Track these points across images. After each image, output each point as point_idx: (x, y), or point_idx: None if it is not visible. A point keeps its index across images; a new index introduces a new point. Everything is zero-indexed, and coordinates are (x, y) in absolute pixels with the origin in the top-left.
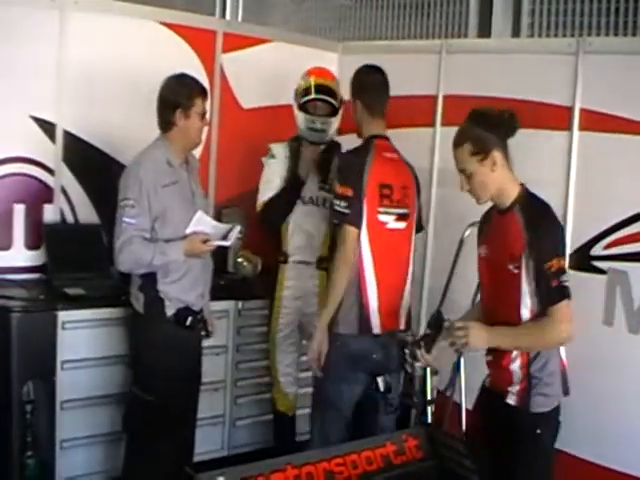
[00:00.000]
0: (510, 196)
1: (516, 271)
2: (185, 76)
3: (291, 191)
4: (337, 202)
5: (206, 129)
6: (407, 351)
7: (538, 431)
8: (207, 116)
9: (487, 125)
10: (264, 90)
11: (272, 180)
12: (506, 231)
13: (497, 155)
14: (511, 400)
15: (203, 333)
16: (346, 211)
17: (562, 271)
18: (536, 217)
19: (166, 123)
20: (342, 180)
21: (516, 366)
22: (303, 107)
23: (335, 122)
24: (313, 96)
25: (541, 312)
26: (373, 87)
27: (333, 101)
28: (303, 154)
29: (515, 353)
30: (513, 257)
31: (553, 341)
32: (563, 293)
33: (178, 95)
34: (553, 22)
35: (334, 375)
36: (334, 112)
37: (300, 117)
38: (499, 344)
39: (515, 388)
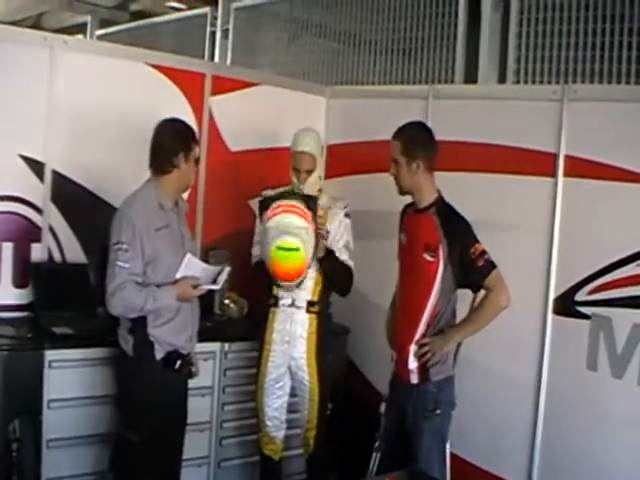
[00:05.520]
0: None
1: None
2: (182, 121)
3: None
4: (486, 256)
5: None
6: None
7: None
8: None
9: None
10: (252, 133)
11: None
12: None
13: None
14: None
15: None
16: (492, 259)
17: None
18: None
19: (166, 166)
20: (475, 238)
21: None
22: None
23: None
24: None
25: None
26: (434, 144)
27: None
28: None
29: None
30: None
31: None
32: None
33: (181, 139)
34: (539, 69)
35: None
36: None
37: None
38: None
39: None
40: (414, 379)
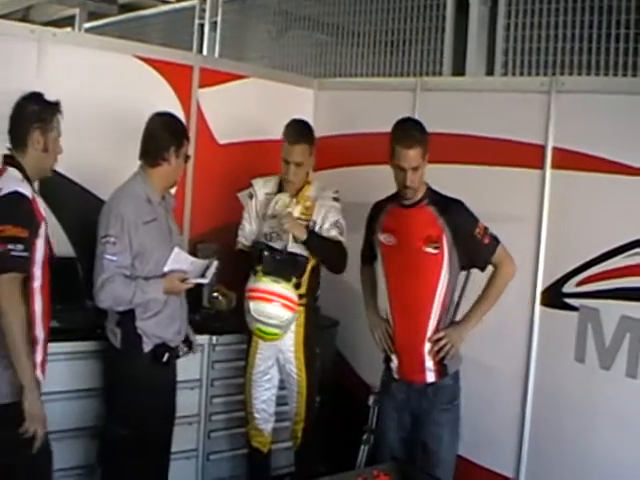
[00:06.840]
0: None
1: None
2: (175, 115)
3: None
4: (489, 232)
5: None
6: None
7: None
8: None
9: None
10: (240, 125)
11: (244, 225)
12: None
13: None
14: None
15: (186, 349)
16: (494, 234)
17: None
18: None
19: (157, 159)
20: (474, 217)
21: None
22: None
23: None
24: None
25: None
26: None
27: None
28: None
29: None
30: None
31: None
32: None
33: (173, 133)
34: (527, 61)
35: None
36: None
37: None
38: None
39: None
40: (431, 377)
